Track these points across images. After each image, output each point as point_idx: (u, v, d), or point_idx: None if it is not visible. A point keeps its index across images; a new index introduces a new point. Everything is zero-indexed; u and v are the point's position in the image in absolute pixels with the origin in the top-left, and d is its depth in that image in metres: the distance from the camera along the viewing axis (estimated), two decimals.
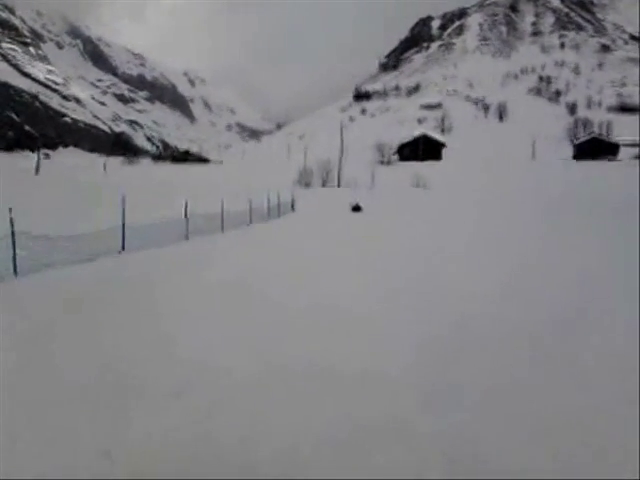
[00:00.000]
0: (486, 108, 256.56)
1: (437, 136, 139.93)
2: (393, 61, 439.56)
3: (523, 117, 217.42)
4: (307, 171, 75.82)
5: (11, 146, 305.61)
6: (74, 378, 7.26)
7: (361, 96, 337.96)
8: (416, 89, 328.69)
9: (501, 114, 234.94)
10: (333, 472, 4.74)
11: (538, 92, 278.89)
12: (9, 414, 6.15)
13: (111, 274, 14.50)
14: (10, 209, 14.24)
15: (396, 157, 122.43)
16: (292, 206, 41.60)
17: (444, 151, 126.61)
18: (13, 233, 13.96)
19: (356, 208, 36.40)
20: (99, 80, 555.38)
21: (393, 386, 6.74)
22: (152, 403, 6.46)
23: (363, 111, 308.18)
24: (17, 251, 13.89)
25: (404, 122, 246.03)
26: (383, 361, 7.75)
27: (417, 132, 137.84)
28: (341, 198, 50.42)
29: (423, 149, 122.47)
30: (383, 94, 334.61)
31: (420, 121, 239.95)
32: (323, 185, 73.64)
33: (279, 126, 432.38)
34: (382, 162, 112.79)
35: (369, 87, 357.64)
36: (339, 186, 70.41)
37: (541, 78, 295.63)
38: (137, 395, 6.69)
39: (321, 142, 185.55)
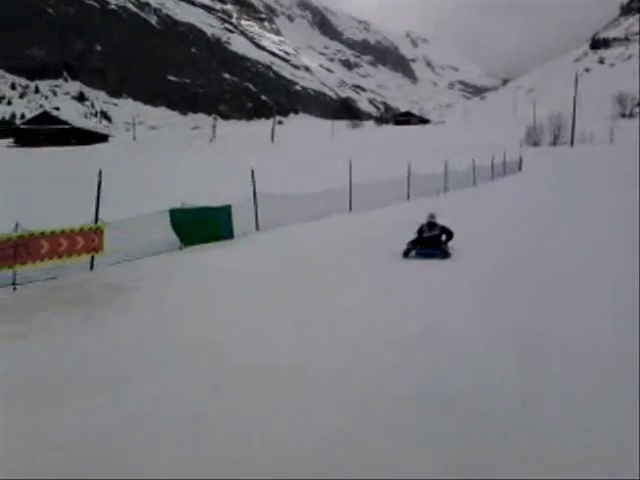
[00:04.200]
0: None
1: None
2: (638, 3, 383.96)
3: None
4: (536, 128, 71.02)
5: (251, 115, 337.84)
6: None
7: (599, 44, 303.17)
8: None
9: None
10: None
11: None
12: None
13: (338, 229, 15.38)
14: (252, 172, 15.80)
15: (639, 109, 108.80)
16: (519, 166, 39.55)
17: None
18: (255, 194, 15.53)
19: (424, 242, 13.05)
20: (326, 48, 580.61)
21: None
22: None
23: (601, 60, 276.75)
24: (259, 209, 15.50)
25: None
26: None
27: None
28: (574, 156, 46.60)
29: None
30: (625, 40, 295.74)
31: None
32: (553, 143, 68.42)
33: (505, 81, 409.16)
34: (623, 115, 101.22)
35: (608, 34, 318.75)
36: (572, 144, 64.67)
37: None
38: None
39: (552, 96, 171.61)
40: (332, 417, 5.06)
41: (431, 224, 13.10)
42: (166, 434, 4.81)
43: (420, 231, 13.10)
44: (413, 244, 12.87)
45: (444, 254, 12.55)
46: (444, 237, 12.95)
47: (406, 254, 12.68)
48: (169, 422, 5.03)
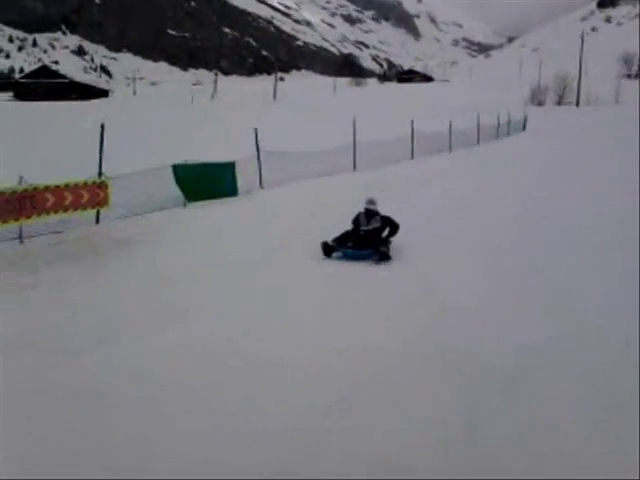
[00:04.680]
0: None
1: None
2: None
3: None
4: (541, 88, 70.18)
5: (252, 71, 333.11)
6: None
7: (606, 3, 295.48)
8: None
9: None
10: None
11: None
12: None
13: (341, 188, 15.42)
14: (255, 130, 15.72)
15: None
16: (524, 125, 39.19)
17: None
18: (258, 151, 15.49)
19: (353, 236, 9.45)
20: (328, 2, 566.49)
21: None
22: None
23: (608, 19, 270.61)
24: (263, 167, 15.53)
25: None
26: None
27: None
28: (579, 116, 46.23)
29: None
30: None
31: None
32: (559, 103, 67.73)
33: (510, 39, 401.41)
34: (629, 76, 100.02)
35: None
36: (577, 104, 63.93)
37: None
38: None
39: (557, 55, 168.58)
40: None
41: (370, 213, 9.58)
42: (164, 393, 4.86)
43: (356, 221, 9.62)
44: (341, 240, 9.23)
45: (382, 256, 8.90)
46: (386, 232, 9.59)
47: (328, 253, 9.11)
48: (167, 380, 5.07)
